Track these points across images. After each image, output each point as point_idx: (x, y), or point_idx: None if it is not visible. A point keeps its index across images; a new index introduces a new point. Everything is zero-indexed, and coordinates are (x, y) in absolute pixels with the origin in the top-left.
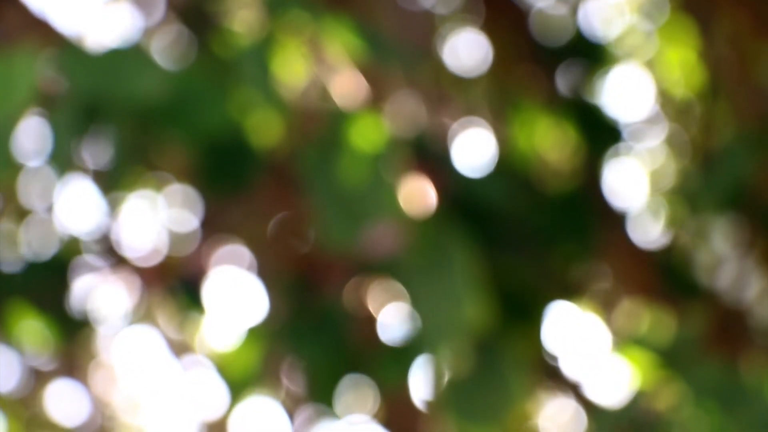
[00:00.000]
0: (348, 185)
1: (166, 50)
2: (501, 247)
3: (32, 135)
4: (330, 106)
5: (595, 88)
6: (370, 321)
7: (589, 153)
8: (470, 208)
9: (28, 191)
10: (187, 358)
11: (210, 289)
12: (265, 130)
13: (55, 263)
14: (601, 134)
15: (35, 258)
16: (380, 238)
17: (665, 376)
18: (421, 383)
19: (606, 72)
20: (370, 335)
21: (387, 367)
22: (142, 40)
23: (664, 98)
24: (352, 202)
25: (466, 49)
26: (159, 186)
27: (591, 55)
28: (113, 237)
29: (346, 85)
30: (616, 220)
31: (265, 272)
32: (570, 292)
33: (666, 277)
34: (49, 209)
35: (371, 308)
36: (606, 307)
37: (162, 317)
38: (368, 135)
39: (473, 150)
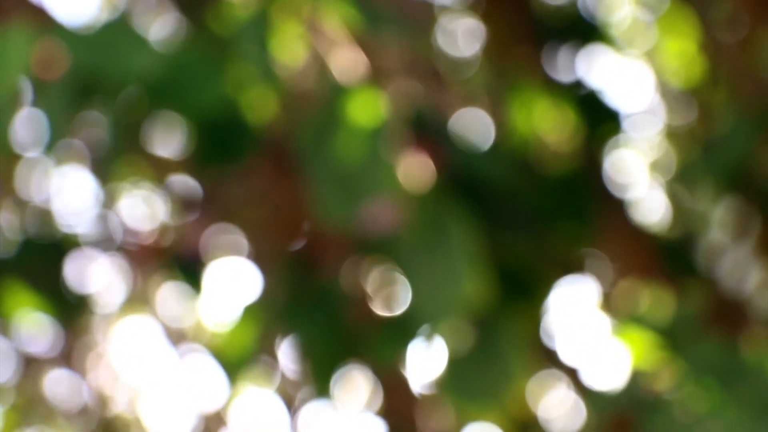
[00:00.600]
0: (346, 161)
1: (161, 27)
2: (500, 225)
3: (26, 117)
4: (328, 81)
5: (595, 70)
6: (368, 300)
7: (588, 135)
8: (469, 185)
9: (24, 176)
10: (184, 346)
11: (206, 268)
12: (261, 106)
13: (51, 244)
14: (600, 116)
15: (31, 238)
16: (378, 214)
17: (664, 355)
18: (417, 364)
19: (605, 54)
20: (368, 315)
21: (383, 346)
22: (136, 17)
23: (664, 89)
24: (349, 179)
25: (465, 32)
26: (154, 169)
27: (590, 37)
28: (109, 220)
29: (345, 61)
30: (615, 201)
31: (261, 251)
32: (569, 271)
33: (665, 258)
34: (45, 196)
35: (369, 288)
36: (605, 287)
37: (158, 300)
38: (366, 111)
39: (472, 127)
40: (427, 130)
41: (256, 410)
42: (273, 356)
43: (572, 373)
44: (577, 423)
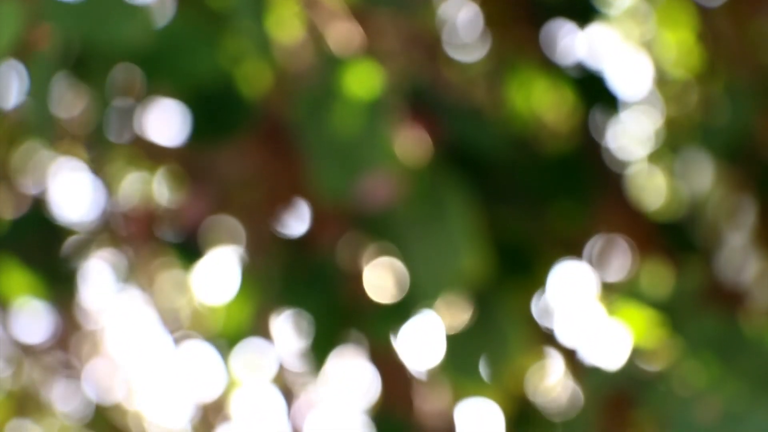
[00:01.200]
0: (342, 135)
1: None
2: (498, 199)
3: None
4: (324, 53)
5: (593, 51)
6: (364, 277)
7: (586, 114)
8: (467, 159)
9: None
10: (181, 331)
11: (202, 242)
12: (256, 80)
13: (45, 221)
14: (598, 95)
15: (24, 216)
16: (375, 188)
17: (663, 331)
18: (414, 341)
19: (604, 35)
20: (363, 292)
21: (379, 323)
22: None
23: (662, 80)
24: (345, 152)
25: (463, 11)
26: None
27: (589, 16)
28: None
29: (341, 33)
30: (613, 180)
31: (256, 228)
32: (567, 249)
33: (663, 235)
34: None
35: (365, 264)
36: (603, 264)
37: (153, 281)
38: (363, 83)
39: (470, 103)
40: (424, 104)
41: (253, 399)
42: (268, 336)
43: (569, 352)
44: (575, 402)
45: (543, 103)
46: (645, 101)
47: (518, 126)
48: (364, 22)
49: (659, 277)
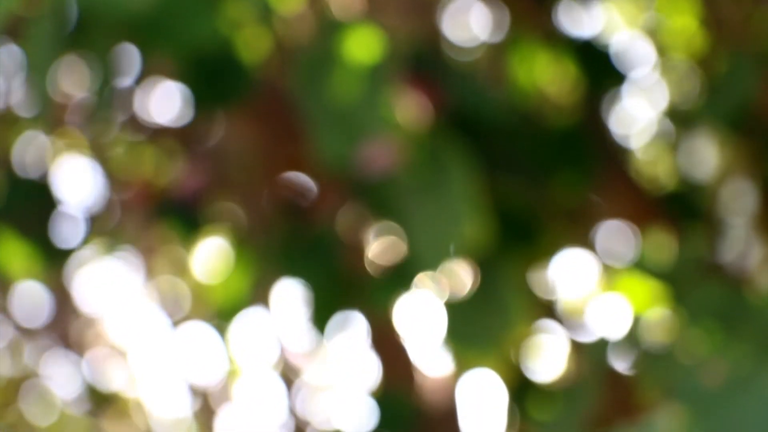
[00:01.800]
0: (342, 100)
1: None
2: (500, 167)
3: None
4: (324, 17)
5: (596, 25)
6: (364, 246)
7: (590, 87)
8: (469, 125)
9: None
10: (181, 313)
11: (200, 213)
12: (256, 46)
13: (40, 186)
14: (601, 68)
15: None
16: (376, 154)
17: (666, 300)
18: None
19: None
20: (364, 261)
21: (379, 291)
22: None
23: (665, 65)
24: (346, 118)
25: None
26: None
27: None
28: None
29: None
30: (616, 152)
31: (256, 197)
32: (569, 219)
33: (666, 205)
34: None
35: (365, 233)
36: (605, 235)
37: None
38: (363, 48)
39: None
40: (425, 70)
41: (254, 385)
42: (267, 307)
43: (571, 323)
44: (577, 372)
45: (546, 77)
46: (648, 76)
47: (521, 99)
48: None
49: (662, 248)
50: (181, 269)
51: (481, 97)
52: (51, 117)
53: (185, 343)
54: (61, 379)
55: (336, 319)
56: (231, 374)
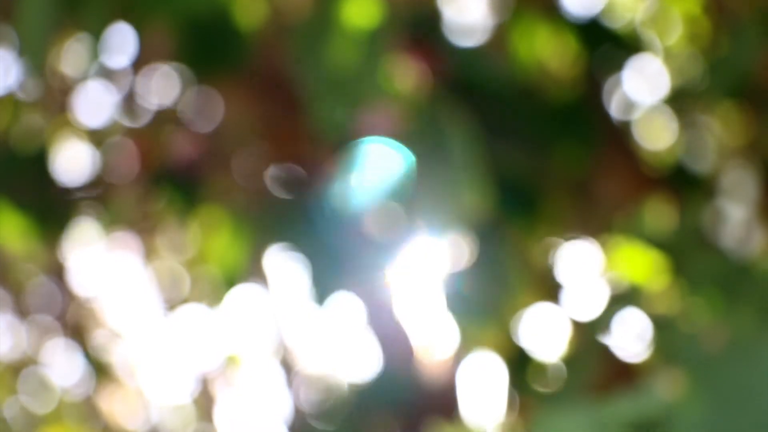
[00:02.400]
0: (340, 66)
1: None
2: (500, 135)
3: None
4: None
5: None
6: (361, 216)
7: (590, 62)
8: (469, 93)
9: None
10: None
11: (197, 182)
12: (252, 10)
13: (37, 160)
14: (602, 43)
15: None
16: (374, 120)
17: (666, 270)
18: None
19: None
20: (362, 232)
21: (377, 260)
22: None
23: (668, 54)
24: (344, 84)
25: None
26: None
27: None
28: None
29: None
30: (617, 126)
31: (253, 166)
32: (570, 190)
33: (666, 177)
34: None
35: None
36: (605, 206)
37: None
38: (361, 13)
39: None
40: (424, 35)
41: (253, 371)
42: (264, 280)
43: (570, 295)
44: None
45: (547, 51)
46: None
47: (522, 73)
48: None
49: (661, 217)
50: (179, 249)
51: (482, 65)
52: (47, 97)
53: (184, 327)
54: (60, 364)
55: (334, 296)
56: (230, 360)
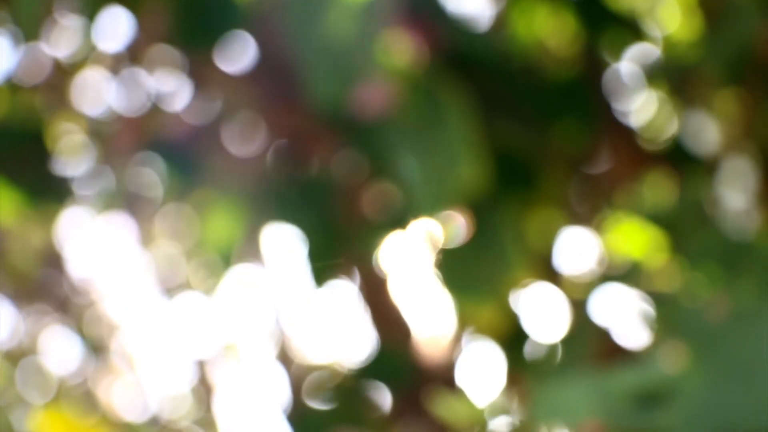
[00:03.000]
0: (335, 40)
1: None
2: (497, 110)
3: None
4: None
5: None
6: (358, 193)
7: (589, 40)
8: (466, 67)
9: None
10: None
11: (192, 155)
12: None
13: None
14: (601, 21)
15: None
16: (370, 95)
17: (666, 245)
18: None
19: None
20: (358, 208)
21: (374, 237)
22: None
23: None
24: (339, 58)
25: None
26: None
27: None
28: None
29: None
30: (615, 106)
31: (248, 141)
32: (568, 166)
33: (665, 154)
34: None
35: (360, 179)
36: (605, 184)
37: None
38: None
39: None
40: (421, 9)
41: (251, 356)
42: (260, 258)
43: (568, 272)
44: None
45: (546, 29)
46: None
47: (520, 50)
48: None
49: (661, 194)
50: (176, 233)
51: (480, 40)
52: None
53: (182, 314)
54: (57, 353)
55: (330, 273)
56: (228, 348)
